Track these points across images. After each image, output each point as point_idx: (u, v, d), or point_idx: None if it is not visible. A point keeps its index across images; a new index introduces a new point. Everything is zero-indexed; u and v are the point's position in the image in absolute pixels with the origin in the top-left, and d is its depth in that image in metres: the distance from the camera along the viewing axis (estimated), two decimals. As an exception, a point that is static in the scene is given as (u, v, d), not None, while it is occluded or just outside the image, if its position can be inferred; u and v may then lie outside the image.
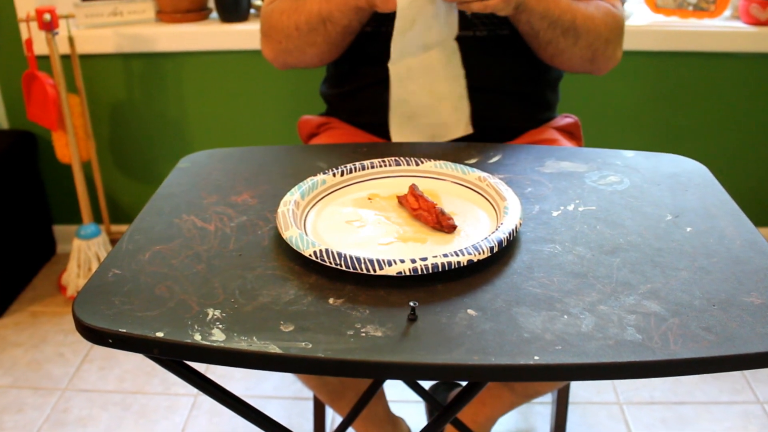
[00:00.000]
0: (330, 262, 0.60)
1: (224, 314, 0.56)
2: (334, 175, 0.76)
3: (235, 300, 0.58)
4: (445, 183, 0.77)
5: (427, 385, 1.26)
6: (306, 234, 0.66)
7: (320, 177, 0.75)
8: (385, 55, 0.96)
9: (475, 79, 0.96)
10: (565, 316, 0.56)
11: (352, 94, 1.03)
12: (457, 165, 0.77)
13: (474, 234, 0.67)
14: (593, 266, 0.62)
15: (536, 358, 0.51)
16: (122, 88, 1.72)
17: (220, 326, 0.55)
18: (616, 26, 0.94)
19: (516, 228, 0.65)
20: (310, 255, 0.61)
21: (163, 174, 1.79)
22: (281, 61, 1.01)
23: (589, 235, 0.67)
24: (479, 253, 0.61)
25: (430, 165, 0.78)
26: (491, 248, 0.62)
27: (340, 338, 0.53)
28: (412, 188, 0.72)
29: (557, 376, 0.52)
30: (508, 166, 0.82)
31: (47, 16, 1.48)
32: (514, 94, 0.99)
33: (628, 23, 1.56)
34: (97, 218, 1.83)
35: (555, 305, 0.57)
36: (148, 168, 1.83)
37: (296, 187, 0.73)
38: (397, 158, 0.79)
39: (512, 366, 0.51)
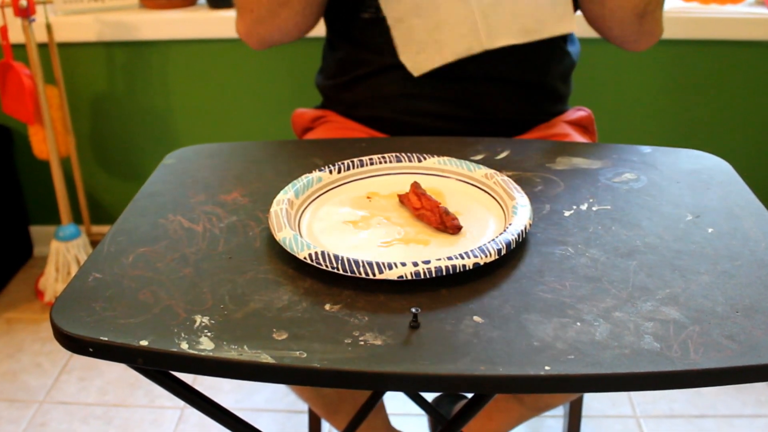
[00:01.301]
0: (326, 266, 0.60)
1: (213, 321, 0.56)
2: (330, 172, 0.76)
3: (225, 306, 0.58)
4: (449, 180, 0.77)
5: (430, 397, 1.26)
6: (300, 235, 0.66)
7: (316, 174, 0.75)
8: (385, 42, 0.96)
9: (480, 67, 0.96)
10: (578, 324, 0.56)
11: (349, 86, 1.03)
12: (463, 161, 0.77)
13: (480, 235, 0.67)
14: (608, 270, 0.62)
15: (547, 368, 0.51)
16: (104, 79, 1.72)
17: (209, 334, 0.55)
18: None
19: (525, 229, 0.65)
20: (304, 258, 0.61)
21: (148, 171, 1.79)
22: (255, 35, 0.96)
23: (604, 236, 0.67)
24: (486, 256, 0.61)
25: (433, 161, 0.78)
26: (499, 251, 0.62)
27: (337, 347, 0.53)
28: (414, 186, 0.72)
29: (569, 388, 0.52)
30: (516, 162, 0.82)
31: (23, 2, 1.48)
32: (523, 84, 0.99)
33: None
34: (77, 218, 1.83)
35: (567, 312, 0.57)
36: (131, 165, 1.83)
37: (290, 185, 0.73)
38: (397, 154, 0.79)
39: (521, 377, 0.51)
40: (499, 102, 0.98)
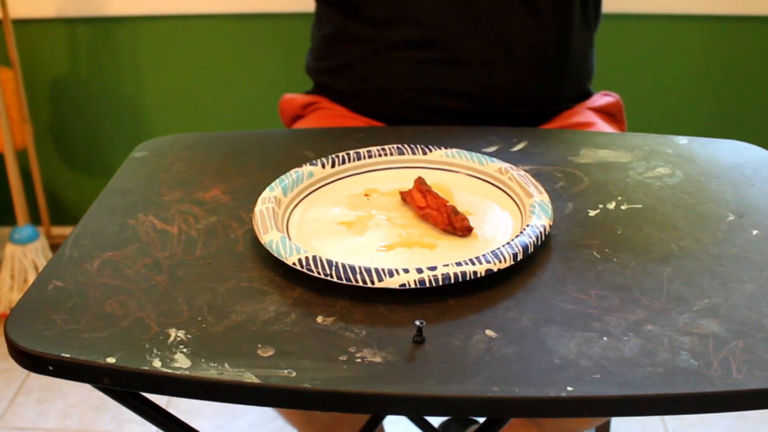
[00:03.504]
0: (318, 272, 0.60)
1: (189, 336, 0.56)
2: (323, 166, 0.76)
3: (203, 318, 0.58)
4: (458, 176, 0.77)
5: (436, 422, 1.26)
6: (289, 238, 0.66)
7: (306, 168, 0.75)
8: (389, 9, 0.94)
9: (490, 46, 0.96)
10: (605, 338, 0.56)
11: (341, 71, 1.02)
12: (473, 154, 0.77)
13: (493, 238, 0.67)
14: (639, 277, 0.62)
15: (569, 389, 0.51)
16: (66, 60, 1.72)
17: (185, 350, 0.55)
18: None
19: (545, 231, 0.65)
20: (293, 264, 0.61)
21: (116, 165, 1.79)
22: None
23: (634, 239, 0.67)
24: (500, 262, 0.61)
25: (440, 154, 0.78)
26: (515, 255, 0.62)
27: (330, 365, 0.53)
28: (419, 182, 0.72)
29: (595, 411, 0.52)
30: (535, 155, 0.82)
31: (-26, -27, 1.48)
32: (539, 64, 0.99)
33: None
34: (35, 219, 1.83)
35: (592, 325, 0.57)
36: (96, 158, 1.83)
37: (277, 180, 0.73)
38: (399, 145, 0.79)
39: (540, 399, 0.51)
40: (514, 86, 0.98)
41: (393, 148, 0.79)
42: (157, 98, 1.75)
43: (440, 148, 0.78)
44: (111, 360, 0.54)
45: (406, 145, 0.79)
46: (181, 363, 0.54)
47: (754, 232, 0.68)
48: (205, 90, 1.73)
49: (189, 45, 1.69)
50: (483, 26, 0.95)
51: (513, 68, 0.97)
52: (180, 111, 1.76)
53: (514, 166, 0.75)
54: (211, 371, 0.53)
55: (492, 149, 0.83)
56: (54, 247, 1.79)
